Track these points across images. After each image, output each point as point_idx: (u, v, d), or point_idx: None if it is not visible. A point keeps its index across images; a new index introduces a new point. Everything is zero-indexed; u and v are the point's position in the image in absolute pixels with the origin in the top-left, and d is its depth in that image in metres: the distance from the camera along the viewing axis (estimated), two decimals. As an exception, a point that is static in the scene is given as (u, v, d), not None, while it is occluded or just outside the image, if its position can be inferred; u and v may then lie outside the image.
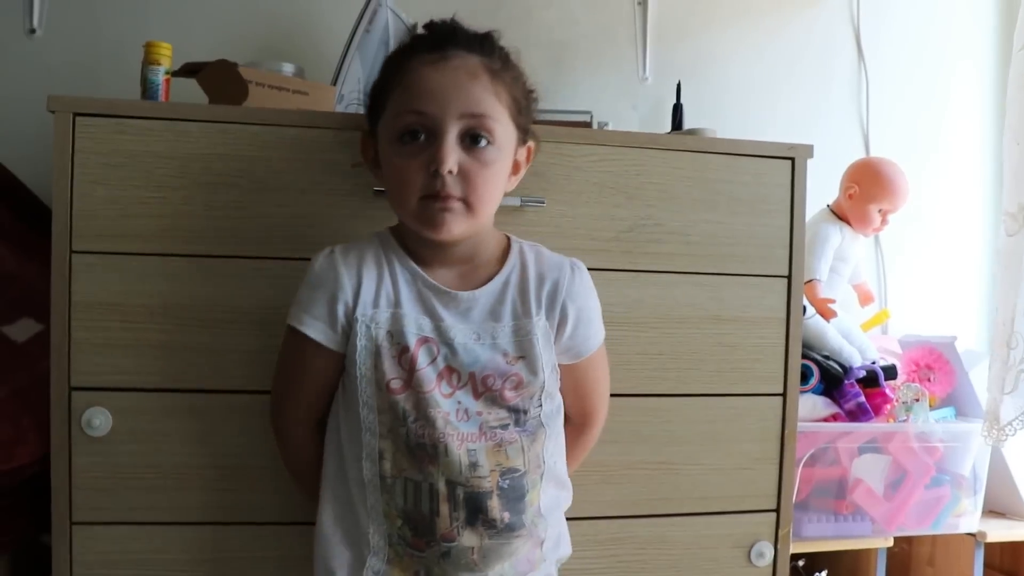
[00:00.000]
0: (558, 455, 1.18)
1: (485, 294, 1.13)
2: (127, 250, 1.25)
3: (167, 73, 1.43)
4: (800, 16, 2.24)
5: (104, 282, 1.25)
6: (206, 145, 1.27)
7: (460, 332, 1.10)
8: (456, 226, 1.07)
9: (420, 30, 1.14)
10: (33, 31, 1.82)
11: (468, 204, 1.07)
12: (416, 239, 1.13)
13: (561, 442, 1.19)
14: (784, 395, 1.46)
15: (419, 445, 1.07)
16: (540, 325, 1.13)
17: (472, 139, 1.07)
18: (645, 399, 1.37)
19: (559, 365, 1.17)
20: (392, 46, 1.61)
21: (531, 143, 1.18)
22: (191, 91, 1.42)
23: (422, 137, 1.06)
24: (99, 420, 1.24)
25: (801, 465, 1.72)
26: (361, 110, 1.57)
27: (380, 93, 1.13)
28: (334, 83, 1.55)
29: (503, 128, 1.09)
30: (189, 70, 1.40)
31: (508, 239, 1.19)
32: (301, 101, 1.42)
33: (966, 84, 2.37)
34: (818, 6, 2.25)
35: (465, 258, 1.14)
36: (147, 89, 1.42)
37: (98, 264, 1.25)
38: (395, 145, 1.08)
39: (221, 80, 1.36)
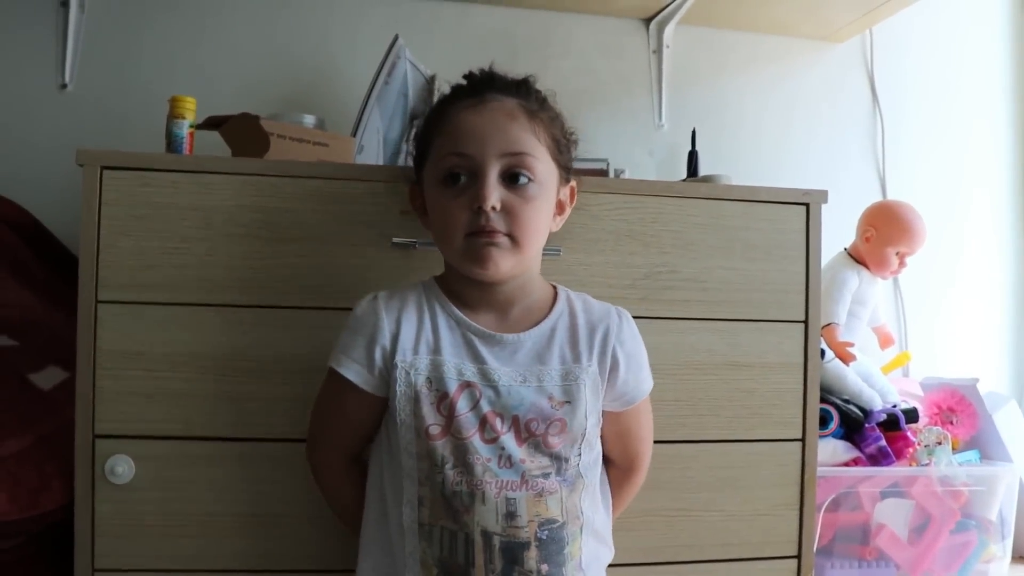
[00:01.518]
0: (595, 508, 1.17)
1: (532, 337, 1.14)
2: (151, 299, 1.28)
3: (191, 126, 1.46)
4: (814, 61, 2.26)
5: (129, 331, 1.27)
6: (229, 196, 1.29)
7: (505, 374, 1.11)
8: (503, 262, 1.09)
9: (460, 81, 1.17)
10: (64, 86, 1.87)
11: (513, 239, 1.09)
12: (462, 282, 1.15)
13: (598, 495, 1.18)
14: (803, 440, 1.45)
15: (455, 493, 1.07)
16: (590, 372, 1.13)
17: (513, 177, 1.09)
18: (663, 445, 1.37)
19: (607, 412, 1.18)
20: (411, 97, 1.64)
21: (574, 183, 1.20)
22: (215, 144, 1.45)
23: (464, 178, 1.09)
24: (122, 468, 1.26)
25: (823, 510, 1.70)
26: (381, 161, 1.61)
27: (423, 142, 1.17)
28: (354, 134, 1.58)
29: (543, 166, 1.12)
30: (212, 123, 1.43)
31: (554, 287, 1.21)
32: (321, 152, 1.45)
33: (982, 123, 2.38)
34: (832, 50, 2.27)
35: (511, 301, 1.16)
36: (172, 142, 1.45)
37: (123, 313, 1.27)
38: (439, 187, 1.11)
39: (243, 133, 1.39)
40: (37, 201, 1.69)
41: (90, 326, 1.26)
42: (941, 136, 2.34)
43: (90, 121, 1.86)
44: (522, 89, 1.15)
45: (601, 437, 1.20)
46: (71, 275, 1.27)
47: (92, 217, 1.26)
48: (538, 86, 1.17)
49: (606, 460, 1.23)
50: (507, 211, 1.08)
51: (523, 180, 1.10)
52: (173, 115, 1.46)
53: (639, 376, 1.20)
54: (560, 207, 1.19)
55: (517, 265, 1.12)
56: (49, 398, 1.38)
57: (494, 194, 1.07)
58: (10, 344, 1.43)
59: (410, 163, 1.23)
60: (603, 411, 1.17)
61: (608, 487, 1.25)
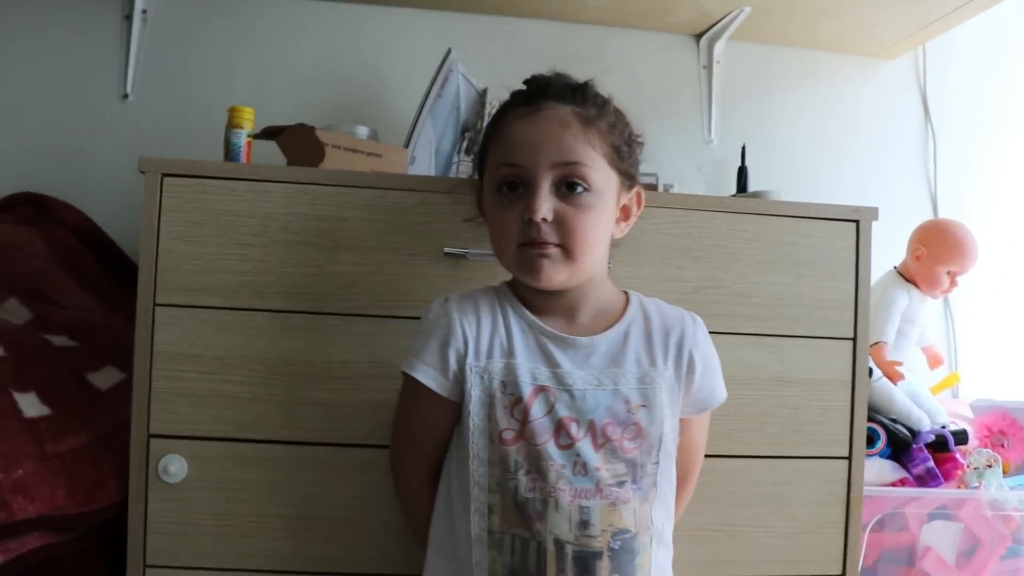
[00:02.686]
0: (666, 519, 1.15)
1: (606, 340, 1.13)
2: (207, 304, 1.31)
3: (249, 136, 1.50)
4: (865, 77, 2.25)
5: (184, 334, 1.30)
6: (284, 204, 1.32)
7: (580, 378, 1.10)
8: (556, 273, 1.09)
9: (521, 87, 1.17)
10: (126, 96, 1.93)
11: (566, 250, 1.08)
12: (528, 289, 1.14)
13: (670, 505, 1.17)
14: (850, 458, 1.44)
15: (528, 500, 1.06)
16: (666, 376, 1.13)
17: (568, 186, 1.08)
18: (709, 460, 1.36)
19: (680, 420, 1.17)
20: (463, 110, 1.66)
21: (639, 188, 1.19)
22: (271, 153, 1.48)
23: (519, 188, 1.09)
24: (175, 467, 1.29)
25: (868, 530, 1.68)
26: (433, 172, 1.63)
27: (484, 149, 1.18)
28: (406, 145, 1.60)
29: (599, 175, 1.10)
30: (269, 133, 1.46)
31: (626, 292, 1.20)
32: (375, 163, 1.47)
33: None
34: (883, 67, 2.26)
35: (578, 306, 1.15)
36: (230, 151, 1.49)
37: (179, 316, 1.30)
38: (494, 196, 1.12)
39: (299, 143, 1.41)
40: (99, 208, 1.74)
41: (148, 328, 1.29)
42: (993, 154, 2.32)
43: (150, 130, 1.91)
44: (578, 95, 1.13)
45: None
46: (130, 280, 1.31)
47: (152, 223, 1.30)
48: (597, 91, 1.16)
49: None
50: (559, 222, 1.08)
51: (578, 190, 1.08)
52: (231, 124, 1.50)
53: (714, 382, 1.20)
54: (625, 213, 1.18)
55: (572, 276, 1.11)
56: (106, 397, 1.41)
57: (544, 205, 1.07)
58: (70, 344, 1.47)
59: (462, 175, 1.25)
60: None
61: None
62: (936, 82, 2.28)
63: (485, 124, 1.60)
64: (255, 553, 1.31)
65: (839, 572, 1.43)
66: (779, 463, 1.42)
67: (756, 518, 1.41)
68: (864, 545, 1.66)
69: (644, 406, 1.10)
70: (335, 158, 1.42)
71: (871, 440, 1.71)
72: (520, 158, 1.09)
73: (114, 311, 1.56)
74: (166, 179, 1.31)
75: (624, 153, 1.15)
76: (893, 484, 1.75)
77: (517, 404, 1.08)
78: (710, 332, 1.38)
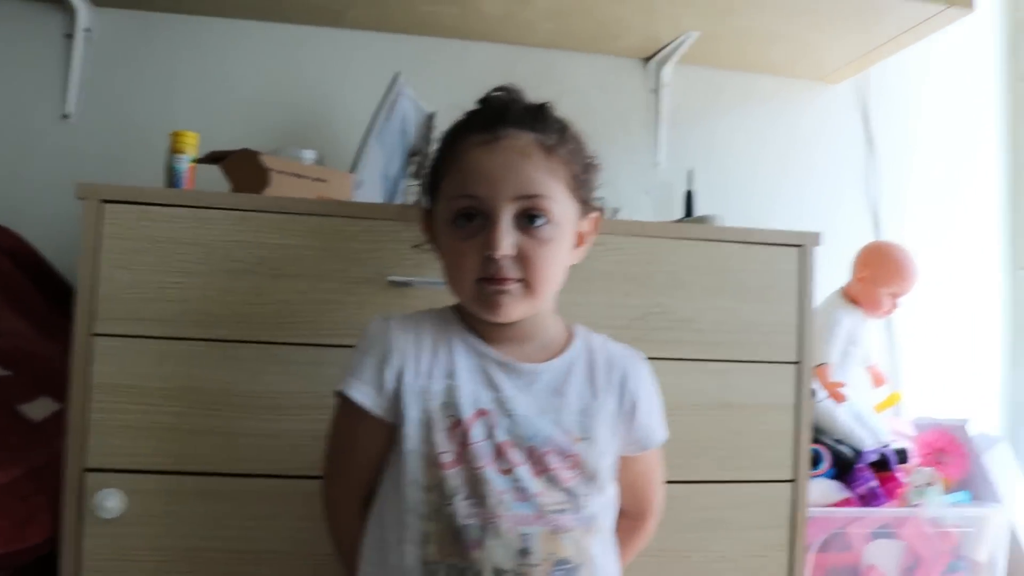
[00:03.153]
0: (607, 555, 1.12)
1: (550, 370, 1.10)
2: (147, 333, 1.28)
3: (192, 161, 1.48)
4: (810, 101, 2.29)
5: (123, 364, 1.27)
6: (227, 232, 1.30)
7: (522, 403, 1.07)
8: (514, 308, 1.06)
9: (476, 104, 1.12)
10: (67, 116, 1.88)
11: (527, 284, 1.06)
12: (475, 317, 1.11)
13: (610, 541, 1.14)
14: (794, 481, 1.46)
15: (466, 527, 1.01)
16: (607, 409, 1.11)
17: (528, 219, 1.05)
18: (655, 486, 1.38)
19: (622, 458, 1.15)
20: (411, 134, 1.65)
21: (595, 213, 1.17)
22: (215, 178, 1.46)
23: (476, 219, 1.05)
24: (112, 502, 1.25)
25: (813, 551, 1.70)
26: (380, 197, 1.62)
27: (435, 170, 1.13)
28: (353, 170, 1.59)
29: (560, 205, 1.07)
30: (213, 158, 1.44)
31: (572, 326, 1.18)
32: (320, 188, 1.46)
33: (975, 164, 2.41)
34: (827, 91, 2.30)
35: (527, 336, 1.12)
36: (172, 177, 1.47)
37: (118, 346, 1.27)
38: (450, 227, 1.07)
39: (244, 168, 1.40)
40: (37, 232, 1.70)
41: (84, 358, 1.26)
42: (935, 177, 2.36)
43: (91, 152, 1.87)
44: (539, 121, 1.09)
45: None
46: (69, 307, 1.27)
47: (91, 250, 1.27)
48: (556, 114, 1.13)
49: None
50: (521, 256, 1.05)
51: (539, 222, 1.05)
52: (174, 150, 1.48)
53: (653, 421, 1.17)
54: (581, 238, 1.15)
55: (530, 307, 1.08)
56: (40, 429, 1.38)
57: (506, 241, 1.03)
58: (3, 374, 1.43)
59: (409, 200, 1.23)
60: (620, 456, 1.14)
61: (615, 538, 1.19)
62: (878, 106, 2.32)
63: (434, 147, 1.59)
64: (195, 589, 1.28)
65: (785, 595, 1.44)
66: (724, 487, 1.43)
67: (702, 543, 1.42)
68: (809, 566, 1.68)
69: (584, 439, 1.07)
70: (280, 184, 1.40)
71: (815, 461, 1.74)
72: (480, 190, 1.04)
73: (51, 339, 1.52)
74: (106, 205, 1.28)
75: (583, 180, 1.12)
76: (837, 504, 1.77)
77: (456, 427, 1.04)
78: (656, 358, 1.38)
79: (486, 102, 1.12)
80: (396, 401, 1.07)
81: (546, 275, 1.07)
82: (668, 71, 2.15)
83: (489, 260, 1.04)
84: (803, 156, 2.27)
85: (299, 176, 1.44)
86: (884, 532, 1.79)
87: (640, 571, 1.37)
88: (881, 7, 1.84)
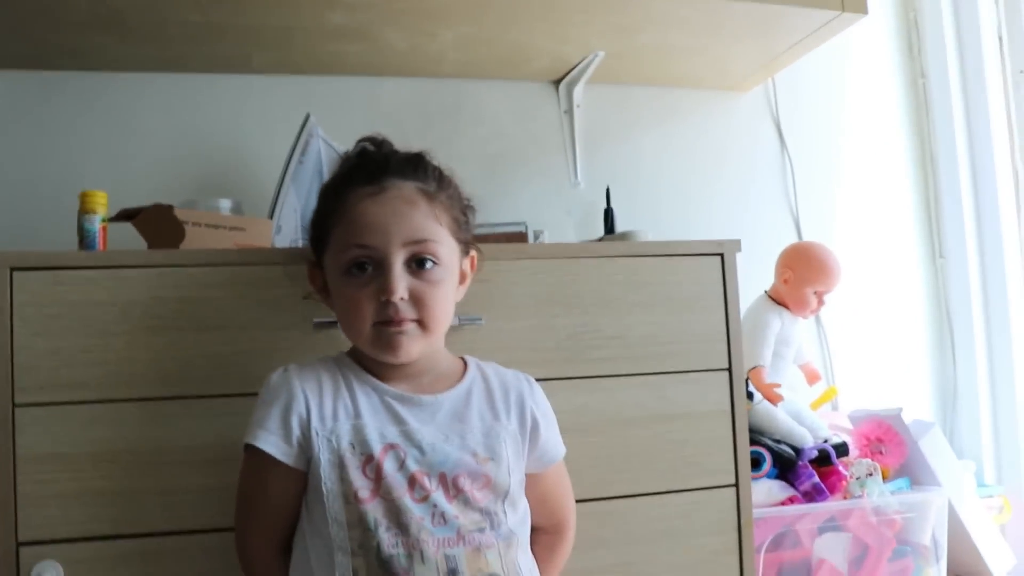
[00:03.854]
0: (531, 568, 1.16)
1: (449, 399, 1.15)
2: (71, 399, 1.25)
3: (103, 221, 1.45)
4: (721, 112, 2.33)
5: (49, 433, 1.24)
6: (145, 289, 1.28)
7: (427, 433, 1.11)
8: (412, 347, 1.11)
9: (354, 158, 1.18)
10: (-31, 184, 1.83)
11: (422, 324, 1.11)
12: (371, 360, 1.15)
13: (530, 555, 1.18)
14: (737, 485, 1.48)
15: (392, 556, 1.04)
16: (510, 430, 1.16)
17: (418, 263, 1.11)
18: (599, 503, 1.38)
19: (530, 476, 1.19)
20: (326, 174, 1.64)
21: (474, 252, 1.23)
22: (130, 235, 1.43)
23: (369, 268, 1.10)
24: (51, 574, 1.22)
25: (763, 551, 1.72)
26: (300, 243, 1.61)
27: (322, 224, 1.16)
28: (271, 215, 1.58)
29: (446, 248, 1.14)
30: (125, 215, 1.42)
31: (463, 358, 1.23)
32: (239, 237, 1.44)
33: (885, 158, 2.48)
34: (738, 100, 2.35)
35: (422, 372, 1.16)
36: (84, 238, 1.43)
37: (42, 415, 1.24)
38: (344, 277, 1.12)
39: (157, 224, 1.38)
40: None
41: (7, 430, 1.22)
42: (849, 174, 2.43)
43: (-2, 216, 1.83)
44: (420, 170, 1.16)
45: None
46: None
47: (4, 320, 1.23)
48: (439, 157, 1.19)
49: (533, 528, 1.22)
50: (414, 298, 1.10)
51: (428, 265, 1.11)
52: (84, 210, 1.44)
53: (555, 436, 1.23)
54: (462, 277, 1.21)
55: (426, 347, 1.14)
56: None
57: (400, 285, 1.09)
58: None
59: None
60: (527, 474, 1.18)
61: (537, 555, 1.23)
62: (787, 110, 2.38)
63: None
64: (143, 657, 1.25)
65: (737, 598, 1.46)
66: (669, 498, 1.45)
67: (651, 555, 1.43)
68: (761, 566, 1.71)
69: (491, 459, 1.12)
70: (196, 236, 1.39)
71: (757, 463, 1.76)
72: (371, 240, 1.10)
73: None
74: (16, 273, 1.24)
75: (462, 223, 1.18)
76: (783, 503, 1.80)
77: (369, 462, 1.08)
78: (589, 376, 1.42)
79: (365, 155, 1.18)
80: (305, 446, 1.10)
81: (438, 314, 1.13)
82: (579, 91, 2.18)
83: (386, 304, 1.09)
84: (719, 165, 2.31)
85: (215, 227, 1.43)
86: (831, 525, 1.82)
87: (592, 589, 1.39)
88: (779, 15, 1.89)
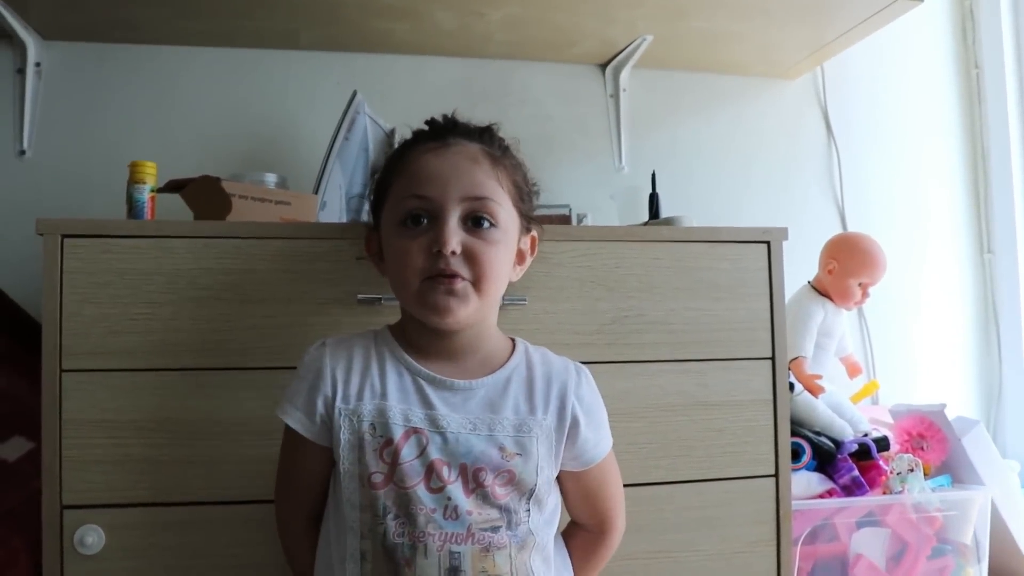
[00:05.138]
0: (545, 571, 1.11)
1: (485, 385, 1.10)
2: (117, 366, 1.27)
3: (152, 191, 1.46)
4: (768, 98, 2.31)
5: (95, 399, 1.26)
6: (191, 260, 1.29)
7: (454, 421, 1.06)
8: (461, 309, 1.06)
9: (422, 126, 1.15)
10: (23, 152, 1.87)
11: (474, 284, 1.06)
12: (418, 330, 1.11)
13: (551, 557, 1.13)
14: (776, 476, 1.46)
15: (397, 545, 1.02)
16: (544, 427, 1.09)
17: (475, 221, 1.07)
18: (638, 488, 1.37)
19: (569, 472, 1.14)
20: (372, 151, 1.65)
21: (535, 233, 1.18)
22: (177, 206, 1.45)
23: (424, 221, 1.06)
24: (92, 538, 1.24)
25: (800, 544, 1.70)
26: (345, 219, 1.61)
27: (382, 186, 1.14)
28: (316, 191, 1.59)
29: (506, 212, 1.09)
30: (173, 187, 1.43)
31: (513, 340, 1.17)
32: (284, 211, 1.45)
33: (935, 150, 2.44)
34: (785, 87, 2.32)
35: (467, 350, 1.12)
36: (133, 208, 1.45)
37: (88, 381, 1.26)
38: (397, 229, 1.08)
39: (205, 195, 1.39)
40: (-1, 270, 1.68)
41: (55, 395, 1.25)
42: (897, 165, 2.39)
43: (50, 188, 1.86)
44: (485, 135, 1.13)
45: (566, 499, 1.18)
46: (36, 344, 1.26)
47: (54, 286, 1.26)
48: (501, 135, 1.16)
49: (574, 524, 1.21)
50: (468, 255, 1.06)
51: (486, 225, 1.07)
52: (133, 180, 1.46)
53: (599, 434, 1.16)
54: (520, 257, 1.16)
55: (475, 312, 1.08)
56: (14, 469, 1.36)
57: (454, 238, 1.04)
58: (-27, 417, 1.41)
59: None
60: (564, 471, 1.14)
61: (566, 552, 1.20)
62: (836, 99, 2.35)
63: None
64: (181, 622, 1.27)
65: (774, 589, 1.45)
66: (707, 486, 1.44)
67: (688, 543, 1.42)
68: (797, 559, 1.69)
69: (519, 455, 1.07)
70: (242, 209, 1.39)
71: (796, 454, 1.74)
72: (429, 190, 1.06)
73: (20, 378, 1.50)
74: (67, 240, 1.26)
75: (525, 195, 1.15)
76: (821, 496, 1.78)
77: (387, 446, 1.05)
78: (631, 361, 1.40)
79: (433, 121, 1.15)
80: (328, 425, 1.08)
81: (493, 275, 1.08)
82: (625, 76, 2.16)
83: (437, 256, 1.05)
84: (765, 153, 2.29)
85: (262, 200, 1.43)
86: (869, 520, 1.80)
87: (629, 574, 1.38)
88: (832, 2, 1.86)
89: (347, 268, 1.32)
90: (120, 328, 1.27)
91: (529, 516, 1.08)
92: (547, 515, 1.12)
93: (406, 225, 1.07)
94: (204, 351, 1.29)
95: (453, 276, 1.05)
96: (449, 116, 1.15)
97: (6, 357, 1.57)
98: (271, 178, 1.59)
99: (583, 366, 1.18)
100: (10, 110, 1.87)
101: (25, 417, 1.42)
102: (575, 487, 1.17)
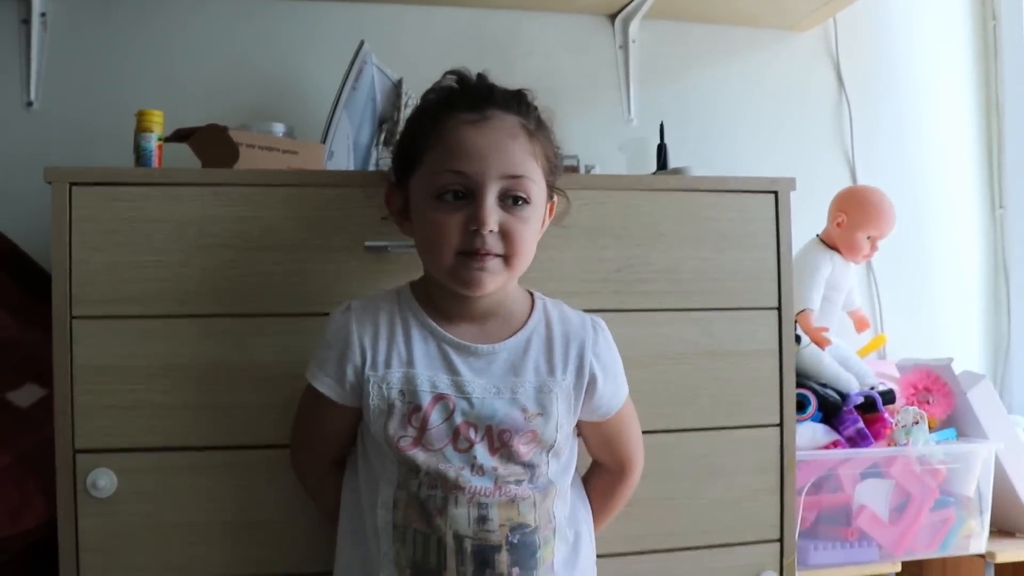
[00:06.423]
0: (569, 510, 1.19)
1: (507, 348, 1.14)
2: (126, 313, 1.28)
3: (159, 140, 1.46)
4: (779, 51, 2.28)
5: (105, 346, 1.27)
6: (199, 208, 1.29)
7: (479, 386, 1.11)
8: (492, 283, 1.09)
9: (453, 83, 1.14)
10: (31, 104, 1.86)
11: (506, 260, 1.09)
12: (441, 292, 1.14)
13: (572, 497, 1.20)
14: (781, 425, 1.47)
15: (429, 497, 1.08)
16: (563, 386, 1.14)
17: (512, 200, 1.08)
18: (644, 435, 1.37)
19: (588, 422, 1.20)
20: (379, 101, 1.64)
21: (555, 198, 1.20)
22: (184, 156, 1.45)
23: (461, 196, 1.07)
24: (104, 481, 1.26)
25: (804, 494, 1.72)
26: (352, 166, 1.61)
27: (413, 147, 1.13)
28: (323, 141, 1.59)
29: (538, 188, 1.11)
30: (181, 136, 1.43)
31: (531, 294, 1.20)
32: (291, 160, 1.45)
33: (947, 105, 2.41)
34: (796, 39, 2.30)
35: (489, 312, 1.15)
36: (140, 156, 1.45)
37: (98, 328, 1.27)
38: (433, 202, 1.09)
39: (212, 144, 1.39)
40: (7, 220, 1.68)
41: (65, 342, 1.26)
42: (908, 119, 2.37)
43: (58, 138, 1.85)
44: (522, 106, 1.13)
45: (587, 444, 1.24)
46: (47, 293, 1.27)
47: (63, 234, 1.26)
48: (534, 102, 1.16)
49: (596, 464, 1.26)
50: (503, 233, 1.08)
51: (520, 203, 1.09)
52: (140, 129, 1.46)
53: (616, 386, 1.20)
54: (541, 223, 1.18)
55: (505, 284, 1.12)
56: (28, 416, 1.38)
57: (493, 217, 1.06)
58: (-14, 364, 1.43)
59: (381, 168, 1.23)
60: (584, 421, 1.19)
61: (584, 494, 1.26)
62: (848, 52, 2.32)
63: (404, 114, 1.59)
64: (192, 563, 1.28)
65: (777, 537, 1.46)
66: (713, 435, 1.44)
67: (693, 490, 1.43)
68: (801, 508, 1.70)
69: (540, 414, 1.11)
70: (250, 158, 1.40)
71: (802, 406, 1.75)
72: (468, 167, 1.07)
73: (32, 326, 1.52)
74: (75, 188, 1.27)
75: (555, 167, 1.16)
76: (826, 447, 1.79)
77: (416, 412, 1.09)
78: (636, 310, 1.40)
79: (467, 82, 1.14)
80: (358, 390, 1.12)
81: (525, 251, 1.11)
82: (635, 27, 2.14)
83: (474, 234, 1.06)
84: (776, 105, 2.27)
85: (269, 149, 1.43)
86: (873, 472, 1.81)
87: (632, 521, 1.39)
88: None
89: (355, 216, 1.33)
90: (129, 276, 1.28)
91: (549, 467, 1.13)
92: (564, 463, 1.17)
93: (442, 199, 1.08)
94: (213, 298, 1.30)
95: (487, 255, 1.07)
96: (484, 79, 1.15)
97: (19, 306, 1.58)
98: (278, 128, 1.59)
99: (599, 320, 1.21)
100: (16, 61, 1.87)
101: (37, 365, 1.43)
102: (595, 434, 1.23)
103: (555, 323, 1.17)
